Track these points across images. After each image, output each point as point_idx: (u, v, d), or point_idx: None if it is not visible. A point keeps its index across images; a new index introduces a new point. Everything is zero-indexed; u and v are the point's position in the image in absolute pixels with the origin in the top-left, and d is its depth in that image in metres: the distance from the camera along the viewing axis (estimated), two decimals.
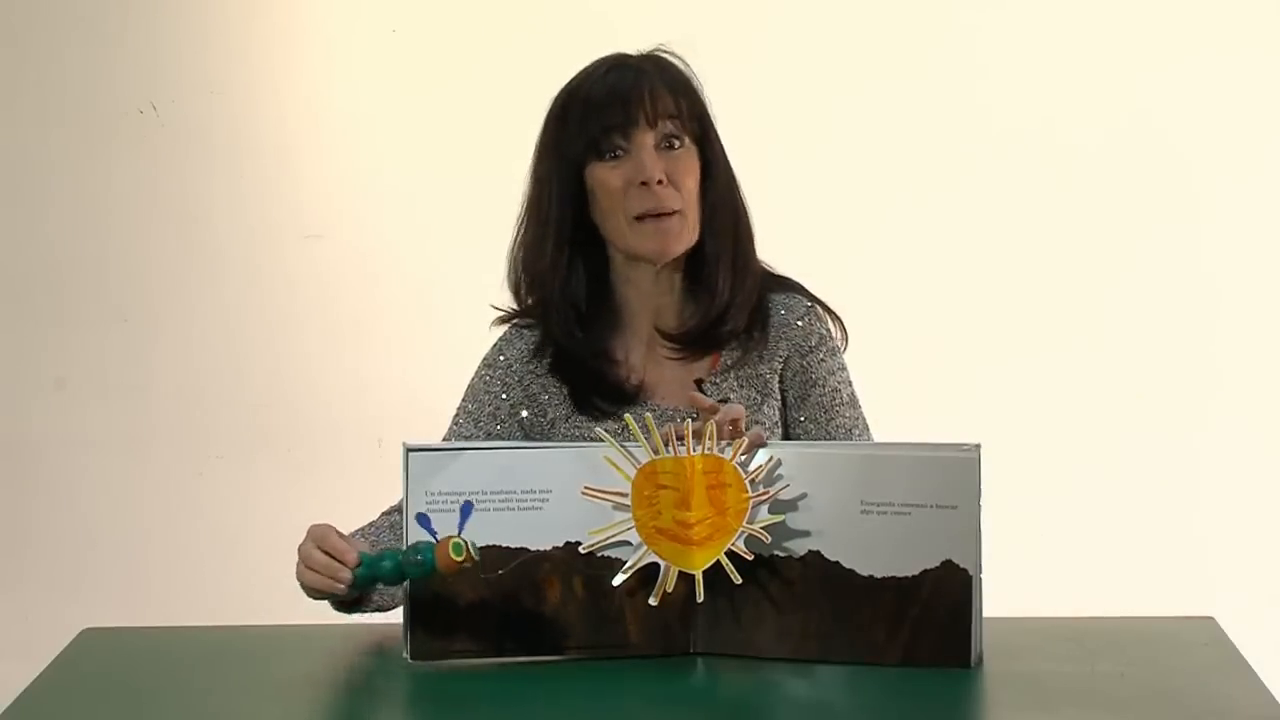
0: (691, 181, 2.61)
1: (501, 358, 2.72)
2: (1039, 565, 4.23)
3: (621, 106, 2.58)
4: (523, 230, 2.68)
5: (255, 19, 4.47)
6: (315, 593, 2.43)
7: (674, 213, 2.60)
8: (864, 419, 2.72)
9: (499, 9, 4.43)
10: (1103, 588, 4.33)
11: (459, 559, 2.31)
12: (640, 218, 2.60)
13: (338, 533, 2.44)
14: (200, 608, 4.38)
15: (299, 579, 2.44)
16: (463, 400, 2.74)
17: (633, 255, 2.64)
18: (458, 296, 4.36)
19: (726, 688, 2.34)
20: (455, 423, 2.73)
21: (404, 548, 2.36)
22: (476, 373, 2.74)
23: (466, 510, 2.34)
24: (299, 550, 2.44)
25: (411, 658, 2.37)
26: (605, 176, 2.60)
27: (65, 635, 2.58)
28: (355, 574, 2.37)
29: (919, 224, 4.43)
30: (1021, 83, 4.41)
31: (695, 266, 2.65)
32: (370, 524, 2.64)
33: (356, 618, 2.62)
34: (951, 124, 4.42)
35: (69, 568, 4.52)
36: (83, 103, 4.47)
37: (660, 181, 2.58)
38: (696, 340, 2.66)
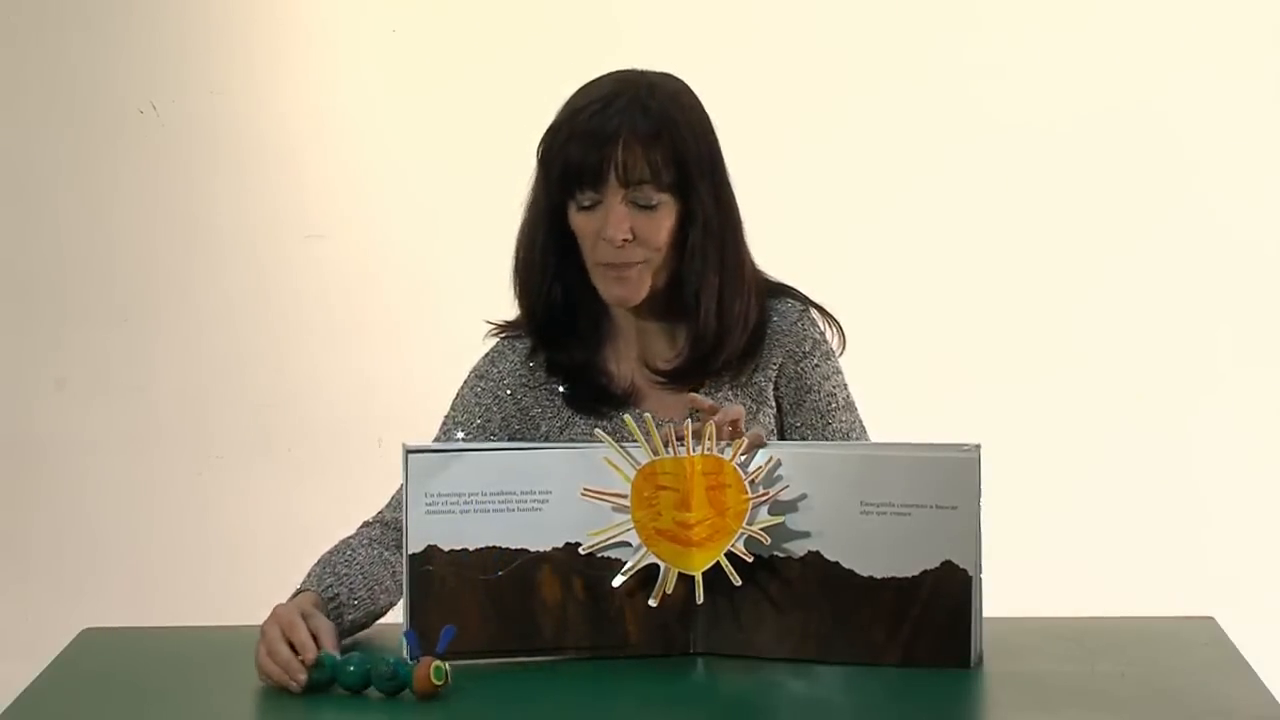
0: (660, 236, 2.59)
1: (494, 370, 2.71)
2: (1039, 565, 4.23)
3: (596, 160, 2.56)
4: (520, 230, 2.68)
5: (256, 19, 4.47)
6: (270, 681, 2.37)
7: (636, 264, 2.59)
8: (861, 422, 2.71)
9: (499, 9, 4.43)
10: (1103, 588, 4.33)
11: (438, 683, 2.28)
12: (603, 264, 2.61)
13: (307, 617, 2.38)
14: (201, 608, 4.38)
15: (256, 662, 2.37)
16: (451, 410, 2.72)
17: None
18: (459, 296, 4.36)
19: (726, 687, 2.35)
20: (445, 434, 2.70)
21: (362, 657, 2.31)
22: (466, 383, 2.72)
23: (448, 633, 2.31)
24: (263, 629, 2.38)
25: (411, 658, 2.37)
26: (579, 222, 2.60)
27: (66, 635, 2.58)
28: (312, 676, 2.31)
29: (918, 225, 4.43)
30: (1019, 83, 4.41)
31: (678, 300, 2.64)
32: (345, 542, 2.60)
33: None
34: (951, 124, 4.41)
35: (70, 568, 4.52)
36: (84, 103, 4.47)
37: (627, 239, 2.57)
38: (687, 375, 2.66)
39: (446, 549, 2.39)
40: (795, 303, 2.71)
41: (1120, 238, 4.43)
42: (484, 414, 2.69)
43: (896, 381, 4.16)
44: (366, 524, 2.65)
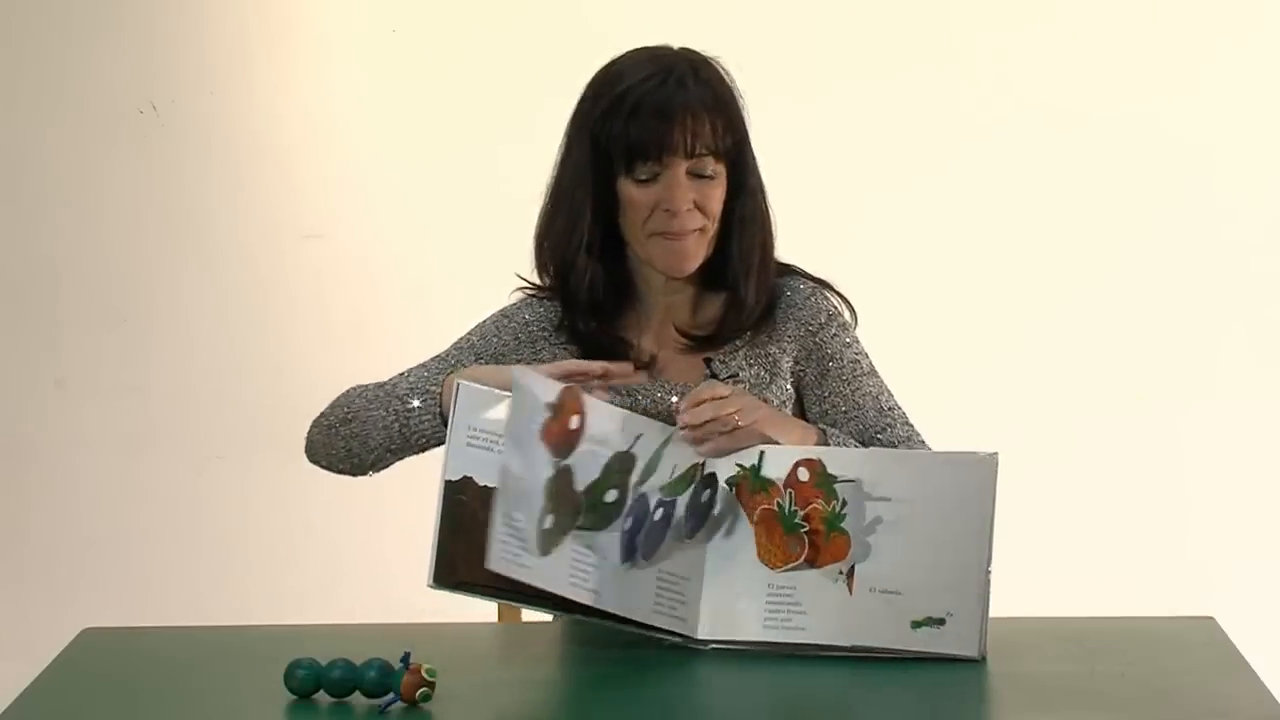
0: (716, 204, 2.62)
1: (520, 315, 2.73)
2: (1039, 565, 4.23)
3: (663, 132, 2.58)
4: (549, 211, 2.69)
5: (255, 19, 4.47)
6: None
7: (693, 231, 2.62)
8: (889, 389, 2.73)
9: (499, 9, 4.43)
10: (1103, 588, 4.33)
11: (428, 683, 2.26)
12: (659, 233, 2.62)
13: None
14: (199, 608, 4.38)
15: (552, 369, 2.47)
16: (468, 334, 2.73)
17: (648, 265, 2.67)
18: (456, 296, 4.35)
19: (728, 686, 2.34)
20: (455, 349, 2.72)
21: (358, 664, 2.29)
22: (490, 317, 2.74)
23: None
24: (526, 370, 2.45)
25: (434, 582, 2.36)
26: (634, 194, 2.61)
27: (65, 635, 2.58)
28: (299, 676, 2.30)
29: (914, 223, 4.43)
30: (1023, 81, 4.41)
31: (712, 268, 2.67)
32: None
33: (355, 616, 2.62)
34: (948, 122, 4.41)
35: (68, 568, 4.52)
36: (82, 103, 4.47)
37: (688, 209, 2.60)
38: (716, 340, 2.69)
39: (481, 483, 2.40)
40: (806, 281, 2.74)
41: (1120, 237, 4.43)
42: (500, 346, 2.71)
43: (894, 381, 4.16)
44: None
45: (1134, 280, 4.43)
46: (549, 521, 2.37)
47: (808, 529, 2.40)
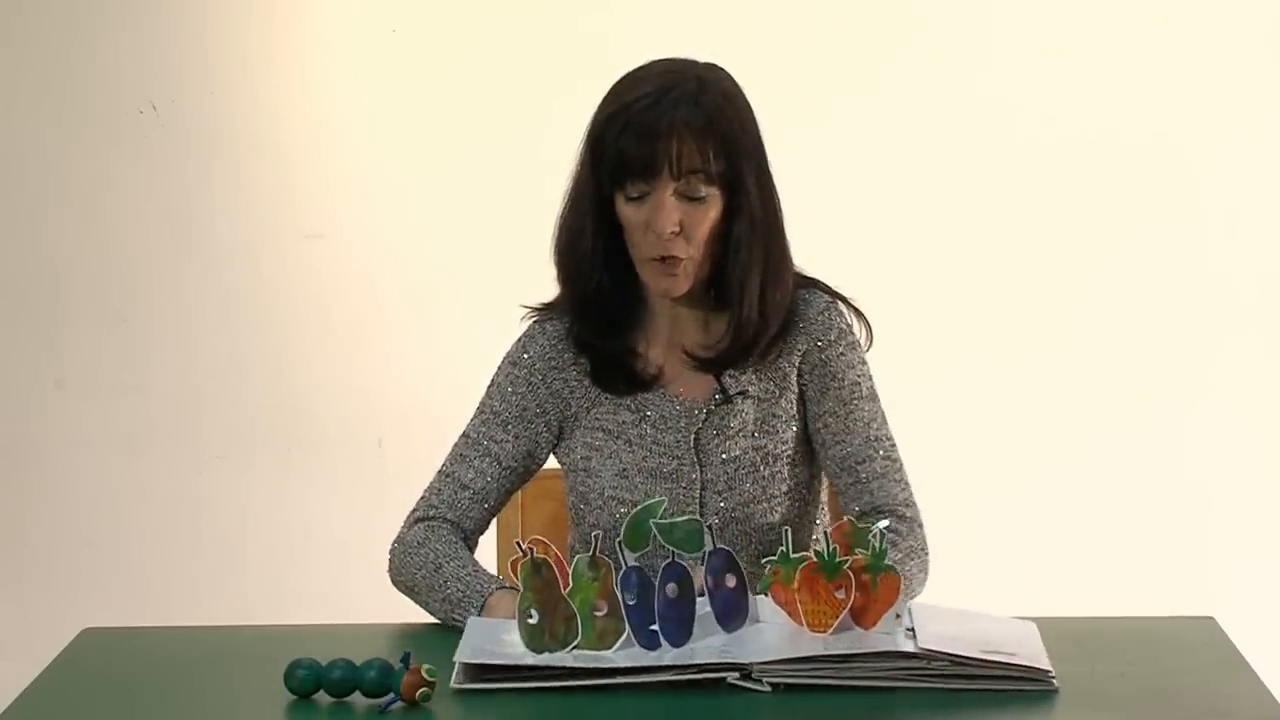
0: (705, 229, 2.62)
1: (525, 356, 2.74)
2: (1039, 565, 4.23)
3: (649, 152, 2.58)
4: (562, 214, 2.70)
5: (255, 19, 4.46)
6: None
7: (680, 259, 2.62)
8: (883, 413, 2.73)
9: (499, 9, 4.43)
10: (1103, 588, 4.33)
11: (428, 683, 2.25)
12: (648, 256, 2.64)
13: None
14: (200, 608, 4.38)
15: None
16: (487, 397, 2.75)
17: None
18: (458, 296, 4.37)
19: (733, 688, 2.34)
20: (483, 424, 2.74)
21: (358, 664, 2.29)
22: (500, 370, 2.76)
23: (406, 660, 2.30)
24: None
25: (455, 683, 2.31)
26: (626, 212, 2.63)
27: (65, 635, 2.58)
28: (299, 676, 2.29)
29: (917, 224, 4.42)
30: (1023, 82, 4.41)
31: (718, 288, 2.68)
32: (449, 547, 2.66)
33: (355, 616, 2.63)
34: (948, 122, 4.41)
35: (68, 568, 4.52)
36: (83, 103, 4.47)
37: (675, 231, 2.61)
38: (723, 361, 2.69)
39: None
40: (823, 294, 2.74)
41: (1121, 237, 4.43)
42: (520, 402, 2.73)
43: (894, 381, 4.15)
44: (427, 521, 2.69)
45: (1135, 279, 4.42)
46: (534, 616, 2.32)
47: (849, 563, 2.32)
